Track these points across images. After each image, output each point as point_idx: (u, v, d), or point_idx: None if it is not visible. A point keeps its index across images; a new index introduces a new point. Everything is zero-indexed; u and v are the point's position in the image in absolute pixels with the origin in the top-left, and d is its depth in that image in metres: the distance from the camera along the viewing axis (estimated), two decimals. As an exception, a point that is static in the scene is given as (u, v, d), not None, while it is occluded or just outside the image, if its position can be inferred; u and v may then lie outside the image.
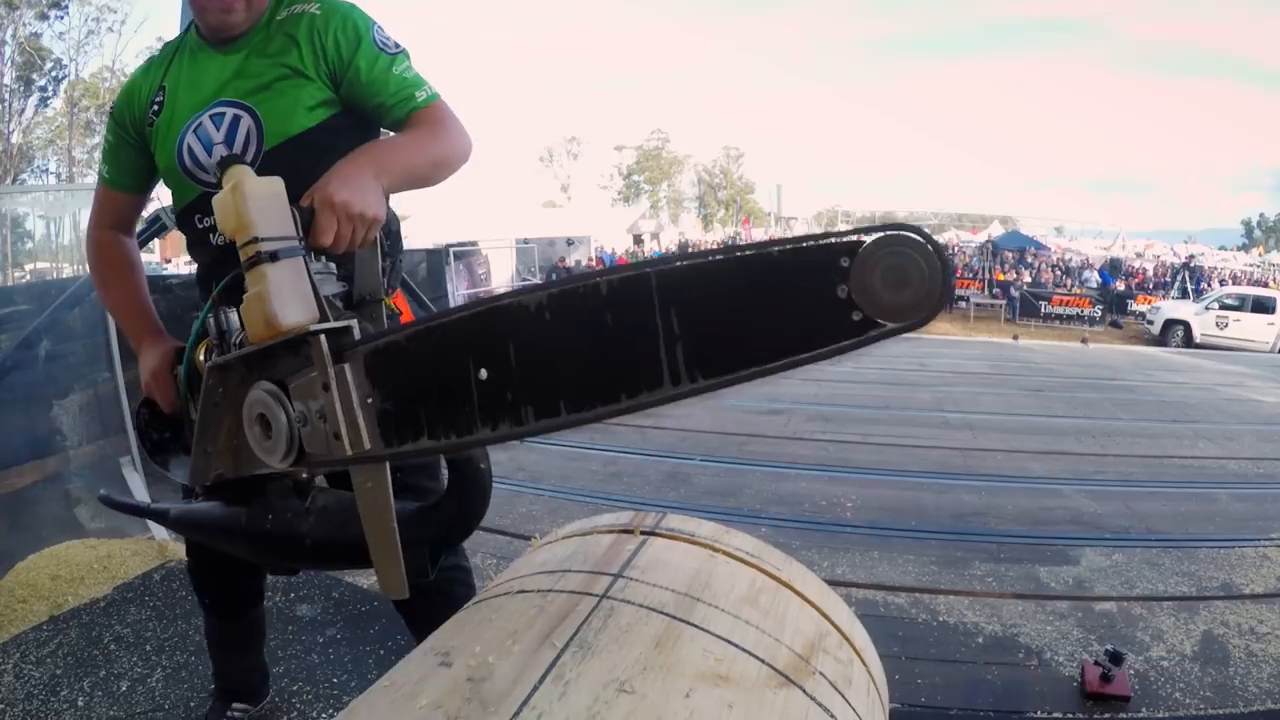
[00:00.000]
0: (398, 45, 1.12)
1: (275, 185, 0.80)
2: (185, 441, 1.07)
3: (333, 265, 0.90)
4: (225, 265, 1.09)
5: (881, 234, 0.50)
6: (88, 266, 1.19)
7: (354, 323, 0.74)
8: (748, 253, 0.54)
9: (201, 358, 0.94)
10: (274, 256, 0.75)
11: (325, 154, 1.07)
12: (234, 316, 0.85)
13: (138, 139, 1.14)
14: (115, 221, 1.20)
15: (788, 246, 0.53)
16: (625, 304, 0.57)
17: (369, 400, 0.70)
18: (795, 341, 0.53)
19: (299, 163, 1.05)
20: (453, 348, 0.64)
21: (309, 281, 0.78)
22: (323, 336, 0.71)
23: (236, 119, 1.07)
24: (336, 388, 0.70)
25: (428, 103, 1.10)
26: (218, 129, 1.07)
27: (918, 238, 0.50)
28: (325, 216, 0.86)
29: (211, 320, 0.89)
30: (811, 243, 0.52)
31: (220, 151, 1.06)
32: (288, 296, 0.75)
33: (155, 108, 1.11)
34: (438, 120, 1.10)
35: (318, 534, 0.95)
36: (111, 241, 1.19)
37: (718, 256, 0.55)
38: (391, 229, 1.19)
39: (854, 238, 0.51)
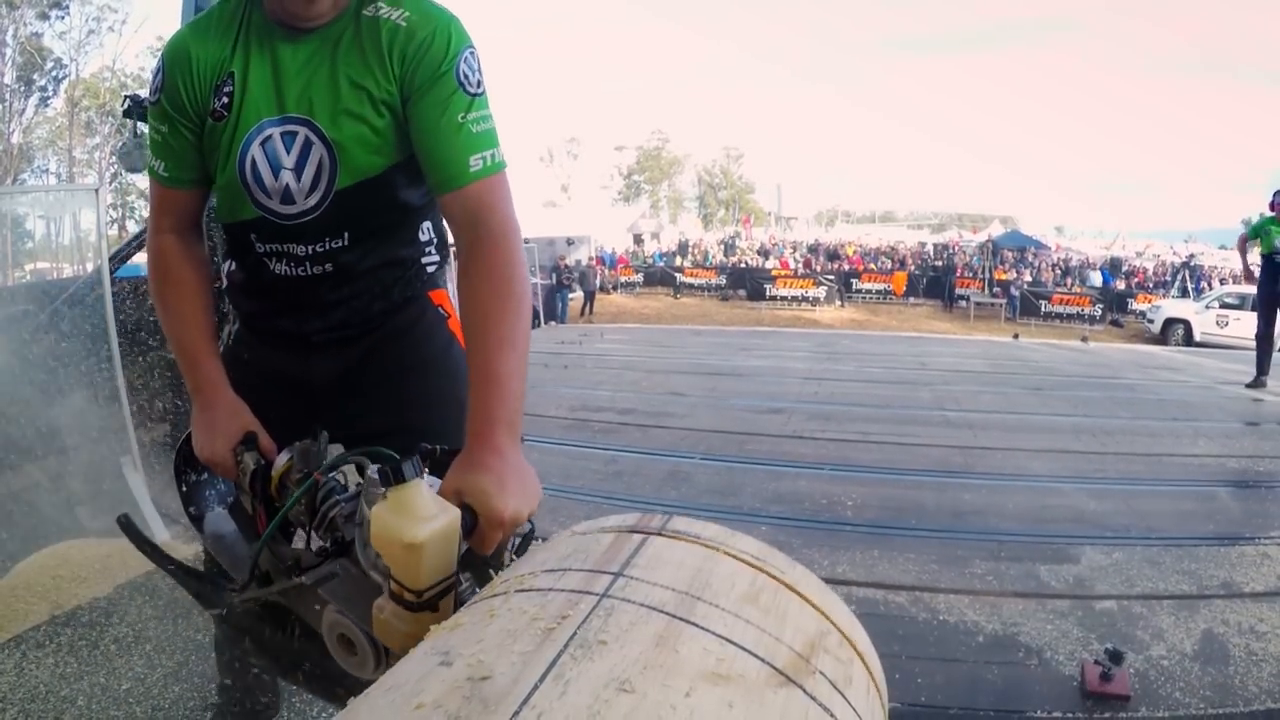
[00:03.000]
0: (480, 84, 0.93)
1: (451, 530, 0.70)
2: (221, 491, 1.02)
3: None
4: (293, 294, 1.00)
5: None
6: (149, 279, 1.02)
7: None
8: None
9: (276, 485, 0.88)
10: (434, 607, 0.69)
11: (395, 196, 0.98)
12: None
13: (198, 124, 0.94)
14: (179, 222, 1.01)
15: None
16: None
17: None
18: None
19: (369, 205, 0.97)
20: None
21: (453, 603, 0.72)
22: None
23: (308, 146, 0.92)
24: None
25: (480, 177, 0.91)
26: (288, 151, 0.92)
27: None
28: (494, 534, 0.77)
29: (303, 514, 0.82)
30: None
31: (288, 179, 0.92)
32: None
33: (225, 99, 0.92)
34: (495, 238, 0.90)
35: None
36: (176, 253, 1.00)
37: None
38: (441, 237, 1.10)
39: None
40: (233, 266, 1.07)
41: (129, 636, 1.92)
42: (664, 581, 0.56)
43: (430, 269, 1.10)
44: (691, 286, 19.50)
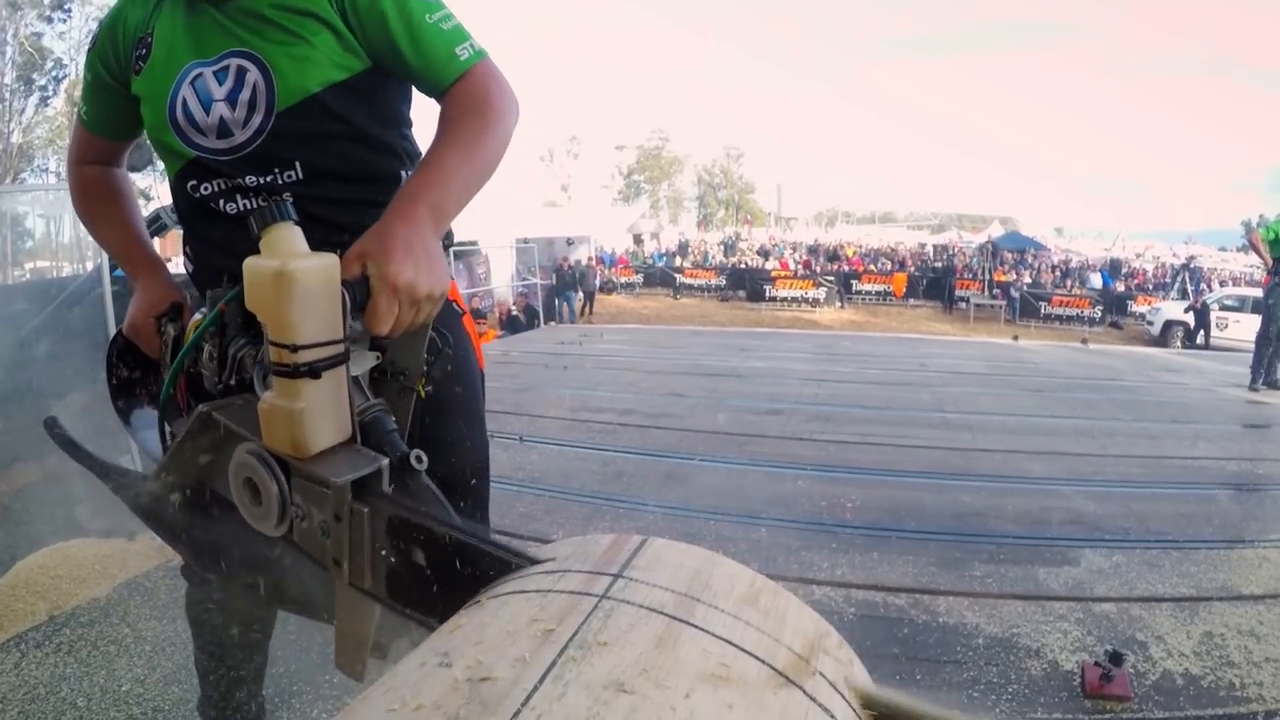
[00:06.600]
0: None
1: (329, 270, 0.64)
2: (154, 391, 0.99)
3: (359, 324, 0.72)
4: (245, 242, 0.91)
5: None
6: (72, 203, 1.05)
7: (384, 463, 0.64)
8: None
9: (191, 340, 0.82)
10: (315, 373, 0.62)
11: (348, 117, 0.91)
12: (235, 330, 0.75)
13: (120, 84, 0.95)
14: (98, 159, 1.05)
15: None
16: None
17: (382, 553, 0.61)
18: None
19: (317, 128, 0.90)
20: None
21: (348, 392, 0.66)
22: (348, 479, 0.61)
23: (241, 72, 0.87)
24: (349, 530, 0.61)
25: (469, 64, 0.90)
26: (220, 84, 0.88)
27: None
28: (385, 302, 0.70)
29: (212, 344, 0.76)
30: None
31: (221, 111, 0.87)
32: (323, 419, 0.64)
33: (144, 51, 0.92)
34: (485, 97, 0.89)
35: (277, 586, 0.85)
36: (95, 177, 1.04)
37: None
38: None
39: None
40: (189, 244, 0.98)
41: (128, 636, 1.92)
42: (664, 583, 0.56)
43: None
44: (691, 287, 19.51)
